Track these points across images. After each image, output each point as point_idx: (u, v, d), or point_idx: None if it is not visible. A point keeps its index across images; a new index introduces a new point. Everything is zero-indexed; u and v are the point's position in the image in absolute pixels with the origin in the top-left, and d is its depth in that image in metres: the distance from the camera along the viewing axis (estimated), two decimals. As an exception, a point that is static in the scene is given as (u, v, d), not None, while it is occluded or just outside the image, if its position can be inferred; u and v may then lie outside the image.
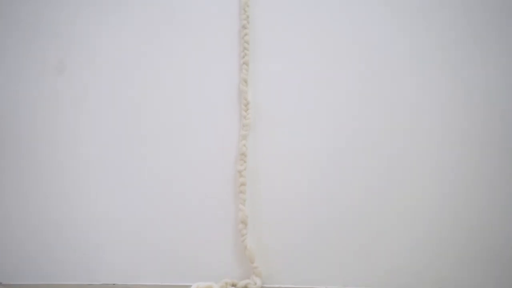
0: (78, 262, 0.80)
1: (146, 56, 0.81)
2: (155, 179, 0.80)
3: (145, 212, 0.80)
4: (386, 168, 0.77)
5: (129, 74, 0.81)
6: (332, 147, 0.78)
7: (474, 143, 0.76)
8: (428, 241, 0.76)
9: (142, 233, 0.80)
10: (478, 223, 0.75)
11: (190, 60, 0.81)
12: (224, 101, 0.80)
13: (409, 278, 0.76)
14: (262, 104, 0.79)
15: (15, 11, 0.83)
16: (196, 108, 0.80)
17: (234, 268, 0.78)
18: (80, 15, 0.82)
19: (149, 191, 0.80)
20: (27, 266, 0.80)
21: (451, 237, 0.76)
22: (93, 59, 0.82)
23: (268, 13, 0.80)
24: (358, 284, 0.76)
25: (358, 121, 0.78)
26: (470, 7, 0.78)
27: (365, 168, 0.77)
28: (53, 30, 0.82)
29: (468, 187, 0.76)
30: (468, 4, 0.78)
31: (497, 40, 0.77)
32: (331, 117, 0.79)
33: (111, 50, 0.82)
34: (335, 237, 0.77)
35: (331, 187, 0.78)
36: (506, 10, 0.77)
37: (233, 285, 0.76)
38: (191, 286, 0.73)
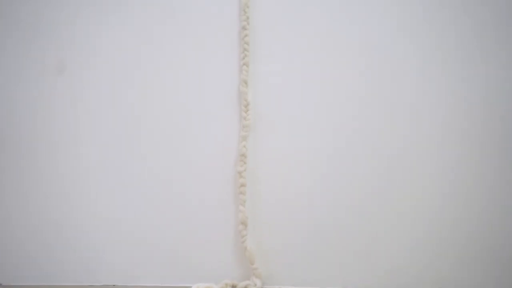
0: (78, 262, 0.80)
1: (146, 56, 0.81)
2: (155, 179, 0.80)
3: (145, 212, 0.80)
4: (386, 168, 0.77)
5: (129, 74, 0.81)
6: (332, 148, 0.78)
7: (474, 143, 0.76)
8: (428, 241, 0.76)
9: (142, 233, 0.80)
10: (478, 223, 0.75)
11: (190, 60, 0.81)
12: (224, 102, 0.80)
13: (409, 278, 0.76)
14: (262, 105, 0.79)
15: (15, 11, 0.83)
16: (196, 109, 0.80)
17: (234, 269, 0.78)
18: (80, 15, 0.82)
19: (149, 191, 0.80)
20: (27, 267, 0.80)
21: (451, 237, 0.76)
22: (93, 59, 0.82)
23: (268, 14, 0.80)
24: (358, 285, 0.76)
25: (358, 121, 0.78)
26: (470, 7, 0.78)
27: (365, 168, 0.77)
28: (53, 30, 0.82)
29: (468, 187, 0.76)
30: (468, 4, 0.78)
31: (497, 40, 0.77)
32: (331, 118, 0.79)
33: (111, 50, 0.81)
34: (335, 238, 0.77)
35: (331, 188, 0.78)
36: (506, 10, 0.77)
37: (233, 286, 0.76)
38: (191, 287, 0.73)
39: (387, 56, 0.78)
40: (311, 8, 0.80)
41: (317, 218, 0.78)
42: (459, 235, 0.75)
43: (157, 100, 0.81)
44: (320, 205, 0.78)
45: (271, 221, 0.78)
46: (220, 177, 0.79)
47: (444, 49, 0.78)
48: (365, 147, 0.78)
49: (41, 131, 0.81)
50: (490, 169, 0.76)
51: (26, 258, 0.80)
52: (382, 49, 0.79)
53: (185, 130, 0.80)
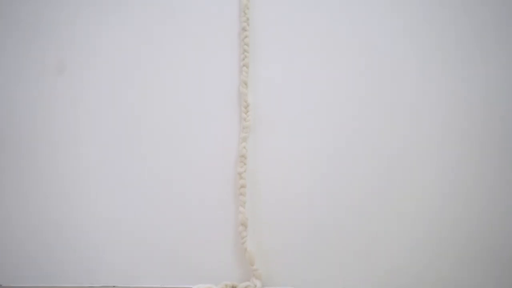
0: (78, 262, 0.80)
1: (146, 56, 0.81)
2: (155, 179, 0.80)
3: (145, 212, 0.80)
4: (386, 169, 0.77)
5: (129, 74, 0.81)
6: (332, 148, 0.78)
7: (474, 143, 0.76)
8: (428, 241, 0.76)
9: (142, 233, 0.79)
10: (478, 223, 0.75)
11: (190, 60, 0.81)
12: (224, 102, 0.80)
13: (409, 278, 0.76)
14: (262, 106, 0.79)
15: (15, 11, 0.83)
16: (196, 109, 0.80)
17: (234, 269, 0.78)
18: (80, 15, 0.82)
19: (149, 191, 0.80)
20: (27, 267, 0.80)
21: (451, 237, 0.76)
22: (93, 59, 0.82)
23: (268, 16, 0.80)
24: (358, 285, 0.76)
25: (358, 122, 0.78)
26: (470, 7, 0.78)
27: (365, 168, 0.77)
28: (53, 30, 0.82)
29: (468, 187, 0.76)
30: (468, 4, 0.78)
31: (497, 40, 0.77)
32: (331, 118, 0.79)
33: (111, 50, 0.81)
34: (335, 239, 0.77)
35: (331, 189, 0.78)
36: (506, 10, 0.77)
37: (233, 287, 0.76)
38: None
39: (387, 56, 0.78)
40: (311, 9, 0.80)
41: (317, 218, 0.78)
42: (459, 235, 0.75)
43: (157, 100, 0.81)
44: (320, 205, 0.78)
45: (271, 222, 0.78)
46: (220, 177, 0.79)
47: (444, 49, 0.78)
48: (365, 147, 0.78)
49: (41, 131, 0.81)
50: (490, 169, 0.76)
51: (26, 258, 0.80)
52: (382, 49, 0.79)
53: (185, 130, 0.80)
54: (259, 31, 0.80)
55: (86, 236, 0.80)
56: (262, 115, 0.79)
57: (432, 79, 0.78)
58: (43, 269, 0.80)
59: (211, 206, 0.79)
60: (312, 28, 0.80)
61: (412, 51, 0.78)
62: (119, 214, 0.80)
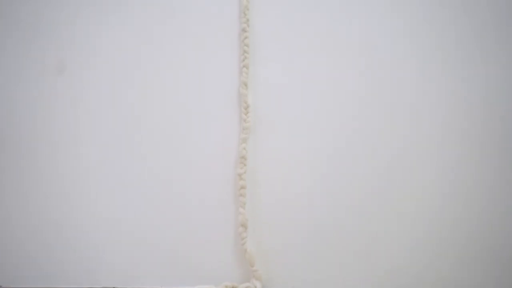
0: (78, 262, 0.80)
1: (146, 56, 0.81)
2: (155, 179, 0.80)
3: (145, 212, 0.79)
4: (386, 169, 0.77)
5: (129, 74, 0.81)
6: (332, 148, 0.78)
7: (474, 143, 0.76)
8: (428, 241, 0.76)
9: (142, 233, 0.79)
10: (478, 223, 0.75)
11: (190, 60, 0.81)
12: (224, 102, 0.80)
13: (409, 278, 0.76)
14: (262, 107, 0.79)
15: (15, 11, 0.83)
16: (196, 109, 0.80)
17: (234, 270, 0.78)
18: (80, 15, 0.82)
19: (149, 191, 0.80)
20: (27, 267, 0.80)
21: (451, 237, 0.76)
22: (93, 59, 0.82)
23: (268, 17, 0.81)
24: (359, 285, 0.76)
25: (358, 122, 0.78)
26: (470, 7, 0.78)
27: (365, 168, 0.77)
28: (53, 30, 0.82)
29: (468, 187, 0.76)
30: (468, 4, 0.78)
31: (497, 40, 0.77)
32: (331, 118, 0.79)
33: (111, 50, 0.81)
34: (335, 239, 0.77)
35: (331, 189, 0.78)
36: (506, 10, 0.77)
37: None
38: (191, 288, 0.73)
39: (387, 56, 0.78)
40: (311, 9, 0.80)
41: (317, 219, 0.78)
42: (459, 235, 0.76)
43: (157, 100, 0.81)
44: (320, 205, 0.78)
45: (271, 222, 0.78)
46: (220, 178, 0.79)
47: (444, 49, 0.78)
48: (365, 147, 0.78)
49: (41, 131, 0.81)
50: (490, 169, 0.76)
51: (26, 259, 0.80)
52: (382, 49, 0.79)
53: (185, 130, 0.80)
54: (259, 32, 0.80)
55: (86, 236, 0.80)
56: (262, 115, 0.79)
57: (432, 79, 0.78)
58: (43, 269, 0.80)
59: (211, 206, 0.79)
60: (312, 28, 0.80)
61: (412, 51, 0.78)
62: (119, 214, 0.80)
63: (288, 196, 0.78)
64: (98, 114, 0.81)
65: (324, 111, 0.79)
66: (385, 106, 0.78)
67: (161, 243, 0.79)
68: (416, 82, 0.78)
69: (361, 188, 0.77)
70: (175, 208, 0.79)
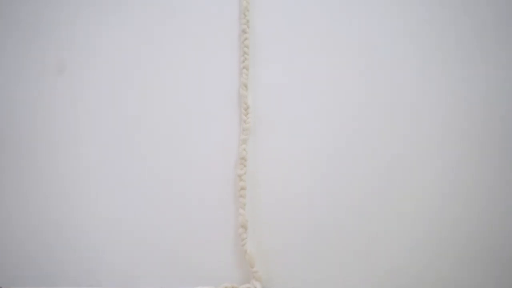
0: (78, 263, 0.80)
1: (146, 56, 0.81)
2: (155, 179, 0.80)
3: (145, 212, 0.79)
4: (386, 168, 0.77)
5: (129, 74, 0.81)
6: (332, 149, 0.78)
7: (474, 143, 0.76)
8: (428, 241, 0.76)
9: (142, 233, 0.79)
10: (478, 223, 0.75)
11: (190, 60, 0.81)
12: (224, 102, 0.80)
13: (409, 278, 0.76)
14: (262, 108, 0.79)
15: (15, 11, 0.83)
16: (196, 109, 0.80)
17: (234, 270, 0.78)
18: (80, 15, 0.82)
19: (149, 191, 0.80)
20: (26, 267, 0.80)
21: (451, 237, 0.76)
22: (93, 59, 0.82)
23: (268, 17, 0.80)
24: (359, 285, 0.76)
25: (358, 122, 0.78)
26: (470, 7, 0.78)
27: (365, 168, 0.77)
28: (53, 30, 0.82)
29: (468, 187, 0.76)
30: (468, 4, 0.78)
31: (497, 40, 0.77)
32: (331, 119, 0.79)
33: (111, 50, 0.81)
34: (335, 239, 0.77)
35: (331, 190, 0.78)
36: (506, 10, 0.77)
37: (233, 288, 0.76)
38: (191, 288, 0.73)
39: (387, 56, 0.78)
40: (311, 9, 0.80)
41: (317, 219, 0.78)
42: (459, 235, 0.76)
43: (157, 100, 0.81)
44: (320, 206, 0.78)
45: (271, 222, 0.78)
46: (220, 178, 0.79)
47: (444, 49, 0.78)
48: (365, 147, 0.78)
49: (41, 131, 0.81)
50: (490, 169, 0.76)
51: (26, 259, 0.80)
52: (382, 49, 0.79)
53: (185, 130, 0.80)
54: (259, 33, 0.80)
55: (86, 236, 0.80)
56: (262, 116, 0.79)
57: (432, 79, 0.78)
58: (43, 270, 0.80)
59: (211, 206, 0.79)
60: (312, 28, 0.80)
61: (412, 51, 0.78)
62: (119, 214, 0.80)
63: (288, 196, 0.78)
64: (98, 114, 0.81)
65: (324, 111, 0.79)
66: (385, 106, 0.78)
67: (161, 243, 0.79)
68: (416, 82, 0.78)
69: (361, 188, 0.77)
70: (175, 208, 0.79)
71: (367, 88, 0.78)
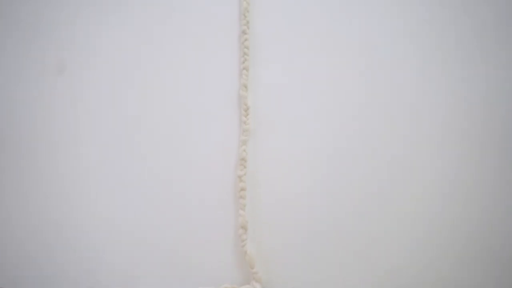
0: (78, 263, 0.80)
1: (146, 56, 0.81)
2: (155, 179, 0.80)
3: (145, 212, 0.80)
4: (386, 169, 0.77)
5: (129, 74, 0.81)
6: (332, 149, 0.78)
7: (474, 143, 0.76)
8: (428, 241, 0.76)
9: (142, 233, 0.79)
10: (478, 223, 0.75)
11: (190, 60, 0.81)
12: (224, 102, 0.80)
13: (409, 278, 0.76)
14: (262, 108, 0.79)
15: (15, 11, 0.83)
16: (196, 109, 0.80)
17: (234, 271, 0.78)
18: (80, 15, 0.82)
19: (149, 191, 0.80)
20: (26, 267, 0.80)
21: (451, 237, 0.76)
22: (93, 59, 0.82)
23: (268, 18, 0.81)
24: (359, 286, 0.76)
25: (358, 122, 0.78)
26: (470, 7, 0.78)
27: (365, 168, 0.77)
28: (53, 30, 0.82)
29: (468, 187, 0.76)
30: (468, 4, 0.78)
31: (497, 40, 0.77)
32: (331, 119, 0.79)
33: (111, 50, 0.82)
34: (335, 240, 0.77)
35: (331, 190, 0.78)
36: (506, 10, 0.77)
37: (233, 289, 0.76)
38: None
39: (387, 56, 0.78)
40: (311, 9, 0.80)
41: (317, 219, 0.78)
42: (459, 235, 0.76)
43: (157, 100, 0.81)
44: (320, 206, 0.78)
45: (271, 223, 0.78)
46: (220, 178, 0.79)
47: (444, 49, 0.78)
48: (365, 147, 0.78)
49: (41, 131, 0.81)
50: (490, 169, 0.76)
51: (26, 259, 0.80)
52: (382, 49, 0.79)
53: (185, 130, 0.80)
54: (259, 33, 0.80)
55: (86, 236, 0.80)
56: (262, 116, 0.79)
57: (432, 79, 0.78)
58: (43, 270, 0.80)
59: (211, 207, 0.79)
60: (312, 28, 0.80)
61: (412, 51, 0.78)
62: (119, 214, 0.80)
63: (288, 197, 0.78)
64: (98, 114, 0.81)
65: (324, 111, 0.79)
66: (385, 106, 0.78)
67: (161, 243, 0.79)
68: (416, 82, 0.78)
69: (361, 188, 0.77)
70: (175, 208, 0.79)
71: (367, 88, 0.78)
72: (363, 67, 0.79)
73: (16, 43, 0.82)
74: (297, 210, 0.78)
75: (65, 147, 0.81)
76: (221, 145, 0.79)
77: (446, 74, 0.77)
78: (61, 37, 0.82)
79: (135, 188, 0.80)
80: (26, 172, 0.81)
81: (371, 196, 0.77)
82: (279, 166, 0.79)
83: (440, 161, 0.77)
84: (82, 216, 0.80)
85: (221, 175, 0.79)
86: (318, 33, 0.80)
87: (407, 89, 0.78)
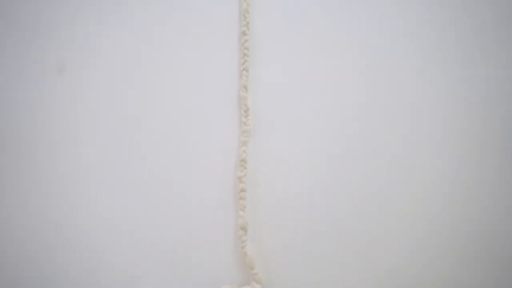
0: (78, 262, 0.80)
1: (146, 56, 0.81)
2: (155, 179, 0.80)
3: (145, 212, 0.79)
4: (386, 169, 0.77)
5: (129, 74, 0.81)
6: (332, 149, 0.78)
7: (474, 143, 0.76)
8: (428, 241, 0.76)
9: (142, 233, 0.79)
10: (478, 223, 0.75)
11: (190, 60, 0.81)
12: (224, 102, 0.80)
13: (409, 278, 0.76)
14: (262, 108, 0.79)
15: (15, 11, 0.83)
16: (196, 109, 0.80)
17: (234, 272, 0.78)
18: (80, 15, 0.82)
19: (149, 191, 0.80)
20: (26, 267, 0.80)
21: (451, 237, 0.76)
22: (93, 59, 0.82)
23: (268, 18, 0.81)
24: (359, 286, 0.76)
25: (358, 122, 0.78)
26: (470, 7, 0.78)
27: (365, 168, 0.77)
28: (53, 30, 0.82)
29: (468, 187, 0.76)
30: (468, 4, 0.78)
31: (497, 40, 0.77)
32: (331, 119, 0.79)
33: (111, 50, 0.81)
34: (335, 240, 0.77)
35: (331, 190, 0.78)
36: (506, 10, 0.77)
37: (233, 290, 0.76)
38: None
39: (387, 56, 0.78)
40: (311, 9, 0.80)
41: (317, 219, 0.78)
42: (459, 235, 0.76)
43: (157, 100, 0.81)
44: (320, 206, 0.78)
45: (271, 223, 0.78)
46: (220, 178, 0.79)
47: (444, 49, 0.78)
48: (365, 147, 0.78)
49: (41, 131, 0.81)
50: (490, 169, 0.76)
51: (26, 259, 0.80)
52: (382, 49, 0.79)
53: (185, 130, 0.80)
54: (259, 33, 0.80)
55: (86, 236, 0.80)
56: (262, 116, 0.79)
57: (432, 79, 0.78)
58: (43, 270, 0.80)
59: (211, 207, 0.79)
60: (312, 28, 0.80)
61: (412, 51, 0.78)
62: (119, 214, 0.80)
63: (288, 197, 0.78)
64: (98, 114, 0.81)
65: (324, 111, 0.79)
66: (385, 106, 0.78)
67: (161, 243, 0.79)
68: (416, 82, 0.78)
69: (361, 188, 0.77)
70: (175, 208, 0.79)
71: (367, 88, 0.78)
72: (363, 67, 0.79)
73: (16, 43, 0.82)
74: (297, 210, 0.78)
75: (65, 147, 0.81)
76: (221, 145, 0.79)
77: (446, 74, 0.77)
78: (61, 37, 0.82)
79: (135, 188, 0.80)
80: (26, 172, 0.81)
81: (371, 196, 0.77)
82: (279, 166, 0.79)
83: (440, 161, 0.77)
84: (82, 216, 0.80)
85: (221, 175, 0.79)
86: (318, 33, 0.80)
87: (407, 89, 0.78)
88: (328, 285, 0.77)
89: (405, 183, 0.77)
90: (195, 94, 0.80)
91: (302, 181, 0.78)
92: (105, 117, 0.81)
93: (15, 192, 0.81)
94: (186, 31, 0.81)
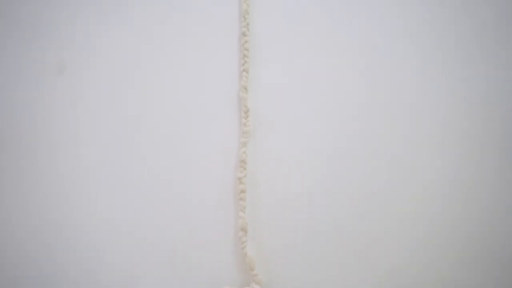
0: (78, 262, 0.80)
1: (146, 56, 0.81)
2: (155, 179, 0.80)
3: (145, 212, 0.80)
4: (386, 169, 0.77)
5: (129, 74, 0.81)
6: (332, 149, 0.78)
7: (474, 143, 0.76)
8: (428, 241, 0.76)
9: (142, 233, 0.79)
10: (478, 223, 0.75)
11: (190, 60, 0.81)
12: (224, 102, 0.80)
13: (409, 278, 0.76)
14: (262, 109, 0.79)
15: (15, 11, 0.83)
16: (196, 109, 0.80)
17: (234, 272, 0.78)
18: (80, 15, 0.82)
19: (149, 191, 0.80)
20: (26, 267, 0.80)
21: (451, 237, 0.76)
22: (93, 59, 0.82)
23: (268, 18, 0.81)
24: (359, 286, 0.76)
25: (358, 122, 0.78)
26: (470, 7, 0.78)
27: (365, 168, 0.77)
28: (53, 30, 0.82)
29: (468, 187, 0.76)
30: (468, 4, 0.78)
31: (497, 40, 0.77)
32: (331, 119, 0.79)
33: (111, 50, 0.81)
34: (335, 240, 0.77)
35: (331, 190, 0.78)
36: (506, 10, 0.77)
37: (233, 291, 0.76)
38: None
39: (387, 56, 0.78)
40: (311, 9, 0.80)
41: (317, 219, 0.78)
42: (459, 235, 0.76)
43: (157, 100, 0.81)
44: (320, 206, 0.78)
45: (271, 223, 0.78)
46: (220, 179, 0.79)
47: (444, 49, 0.78)
48: (365, 147, 0.78)
49: (41, 131, 0.81)
50: (490, 169, 0.76)
51: (26, 259, 0.80)
52: (382, 49, 0.79)
53: (185, 130, 0.80)
54: (259, 34, 0.80)
55: (86, 236, 0.80)
56: (262, 117, 0.79)
57: (432, 79, 0.78)
58: (43, 270, 0.80)
59: (211, 207, 0.79)
60: (312, 28, 0.80)
61: (412, 51, 0.78)
62: (119, 214, 0.80)
63: (288, 197, 0.78)
64: (98, 114, 0.81)
65: (324, 111, 0.79)
66: (385, 106, 0.78)
67: (161, 243, 0.79)
68: (416, 82, 0.78)
69: (361, 188, 0.77)
70: (175, 208, 0.79)
71: (367, 88, 0.78)
72: (363, 67, 0.79)
73: (16, 43, 0.82)
74: (297, 210, 0.78)
75: (65, 147, 0.81)
76: (221, 146, 0.79)
77: (446, 74, 0.77)
78: (61, 37, 0.82)
79: (135, 188, 0.80)
80: (26, 172, 0.81)
81: (371, 196, 0.77)
82: (279, 166, 0.79)
83: (440, 161, 0.77)
84: (82, 216, 0.80)
85: (221, 176, 0.79)
86: (318, 33, 0.80)
87: (407, 89, 0.78)
88: (328, 285, 0.77)
89: (405, 183, 0.77)
90: (195, 95, 0.80)
91: (302, 181, 0.78)
92: (105, 117, 0.81)
93: (15, 192, 0.81)
94: (186, 31, 0.81)
